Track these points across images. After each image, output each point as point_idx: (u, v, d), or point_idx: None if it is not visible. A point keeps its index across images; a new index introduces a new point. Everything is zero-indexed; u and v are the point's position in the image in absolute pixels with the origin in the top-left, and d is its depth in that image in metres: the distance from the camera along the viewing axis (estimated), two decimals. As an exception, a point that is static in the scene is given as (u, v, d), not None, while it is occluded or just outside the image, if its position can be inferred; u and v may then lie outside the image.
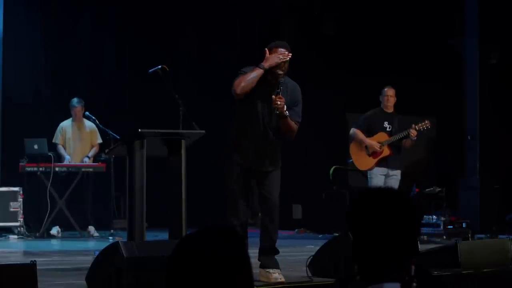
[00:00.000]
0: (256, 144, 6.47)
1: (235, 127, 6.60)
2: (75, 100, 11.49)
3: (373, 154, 9.78)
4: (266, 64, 6.37)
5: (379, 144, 9.72)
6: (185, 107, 6.84)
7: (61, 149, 11.54)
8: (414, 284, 2.29)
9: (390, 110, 9.91)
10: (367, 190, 2.35)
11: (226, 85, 6.65)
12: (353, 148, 10.07)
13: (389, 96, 9.88)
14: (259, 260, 6.42)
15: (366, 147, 9.82)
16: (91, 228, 11.33)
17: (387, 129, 9.82)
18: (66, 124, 11.62)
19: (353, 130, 9.97)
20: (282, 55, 6.37)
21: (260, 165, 6.50)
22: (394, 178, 9.72)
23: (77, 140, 11.60)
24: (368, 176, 9.90)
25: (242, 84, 6.35)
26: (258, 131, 6.47)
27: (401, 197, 2.31)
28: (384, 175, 9.74)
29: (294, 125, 6.50)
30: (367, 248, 2.26)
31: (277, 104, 6.30)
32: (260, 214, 6.87)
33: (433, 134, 14.05)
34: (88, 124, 11.59)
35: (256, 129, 6.46)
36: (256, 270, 6.29)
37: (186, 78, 13.12)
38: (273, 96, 6.34)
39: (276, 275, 6.34)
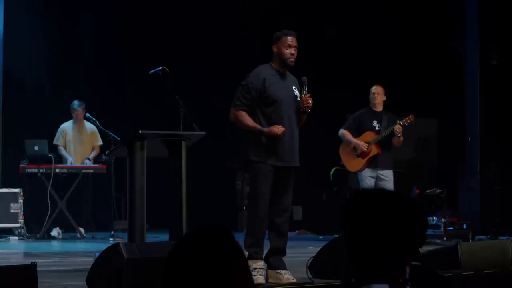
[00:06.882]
0: (288, 142, 6.46)
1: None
2: (76, 103, 11.47)
3: (362, 154, 9.55)
4: (266, 131, 6.36)
5: (366, 144, 9.52)
6: (185, 108, 6.84)
7: (63, 151, 11.53)
8: (408, 287, 2.26)
9: (379, 108, 9.66)
10: (362, 191, 2.36)
11: (226, 86, 6.65)
12: (342, 150, 9.86)
13: (376, 93, 9.62)
14: (266, 261, 6.40)
15: (354, 148, 9.63)
16: (81, 230, 11.23)
17: (376, 128, 9.57)
18: (67, 125, 11.61)
19: (341, 131, 9.74)
20: (281, 132, 6.35)
21: (292, 161, 6.53)
22: (386, 180, 9.43)
23: (78, 142, 11.59)
24: (359, 178, 9.67)
25: (239, 125, 6.44)
26: (287, 130, 6.45)
27: (396, 199, 2.28)
28: (375, 176, 9.49)
29: None
30: (359, 249, 2.25)
31: (309, 103, 6.46)
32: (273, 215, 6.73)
33: (434, 135, 14.05)
34: (89, 126, 11.58)
35: (286, 128, 6.44)
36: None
37: (187, 79, 13.11)
38: (303, 96, 6.46)
39: (288, 276, 6.33)
